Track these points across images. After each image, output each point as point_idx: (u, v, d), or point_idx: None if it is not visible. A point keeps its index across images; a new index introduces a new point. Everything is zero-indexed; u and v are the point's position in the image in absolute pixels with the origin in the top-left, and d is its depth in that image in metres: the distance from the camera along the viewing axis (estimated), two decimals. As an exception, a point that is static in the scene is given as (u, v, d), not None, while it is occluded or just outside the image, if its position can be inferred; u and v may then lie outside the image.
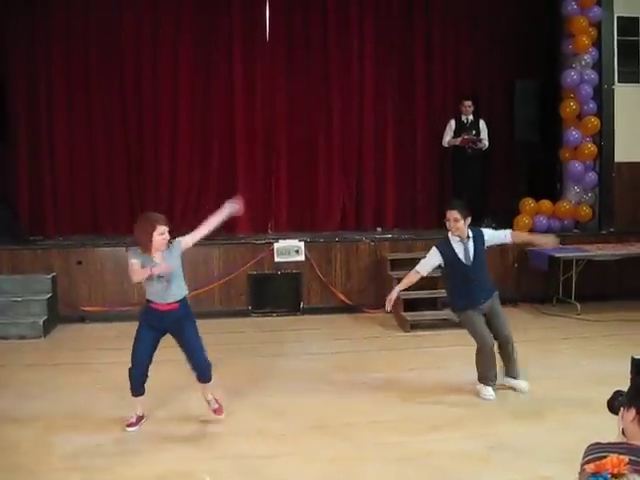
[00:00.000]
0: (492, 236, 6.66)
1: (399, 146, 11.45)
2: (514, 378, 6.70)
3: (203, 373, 5.83)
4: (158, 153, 10.92)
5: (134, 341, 5.75)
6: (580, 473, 2.56)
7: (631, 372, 3.12)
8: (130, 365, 5.75)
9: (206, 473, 4.98)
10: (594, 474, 2.39)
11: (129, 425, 5.83)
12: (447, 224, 6.54)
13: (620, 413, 2.74)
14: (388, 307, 6.50)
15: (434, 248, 6.61)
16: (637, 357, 3.14)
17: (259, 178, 11.16)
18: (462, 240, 6.51)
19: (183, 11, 10.83)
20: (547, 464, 5.03)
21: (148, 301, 5.72)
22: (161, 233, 5.53)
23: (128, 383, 5.75)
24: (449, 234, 6.56)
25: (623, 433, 2.71)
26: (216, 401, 6.03)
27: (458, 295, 6.66)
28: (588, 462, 2.56)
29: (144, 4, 10.77)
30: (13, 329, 8.87)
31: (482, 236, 6.59)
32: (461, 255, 6.52)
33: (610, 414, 2.95)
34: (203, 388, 5.94)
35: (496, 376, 6.61)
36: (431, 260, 6.60)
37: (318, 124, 11.27)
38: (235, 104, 11.02)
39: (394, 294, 6.55)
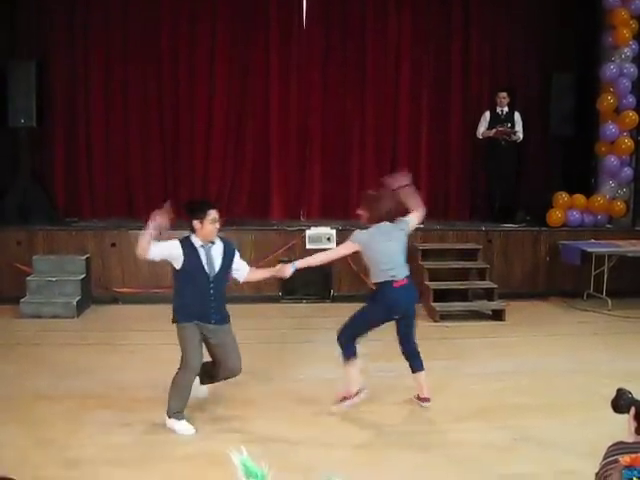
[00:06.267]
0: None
1: (433, 136, 11.40)
2: None
3: None
4: (193, 139, 11.01)
5: None
6: (609, 467, 2.53)
7: None
8: None
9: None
10: (629, 467, 2.38)
11: None
12: None
13: (631, 412, 2.70)
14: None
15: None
16: None
17: (293, 165, 11.21)
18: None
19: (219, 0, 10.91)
20: (571, 458, 5.05)
21: None
22: None
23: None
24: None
25: (636, 432, 2.68)
26: None
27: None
28: (610, 462, 2.53)
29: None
30: (47, 308, 9.03)
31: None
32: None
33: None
34: None
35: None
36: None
37: (353, 113, 11.28)
38: (270, 91, 11.06)
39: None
